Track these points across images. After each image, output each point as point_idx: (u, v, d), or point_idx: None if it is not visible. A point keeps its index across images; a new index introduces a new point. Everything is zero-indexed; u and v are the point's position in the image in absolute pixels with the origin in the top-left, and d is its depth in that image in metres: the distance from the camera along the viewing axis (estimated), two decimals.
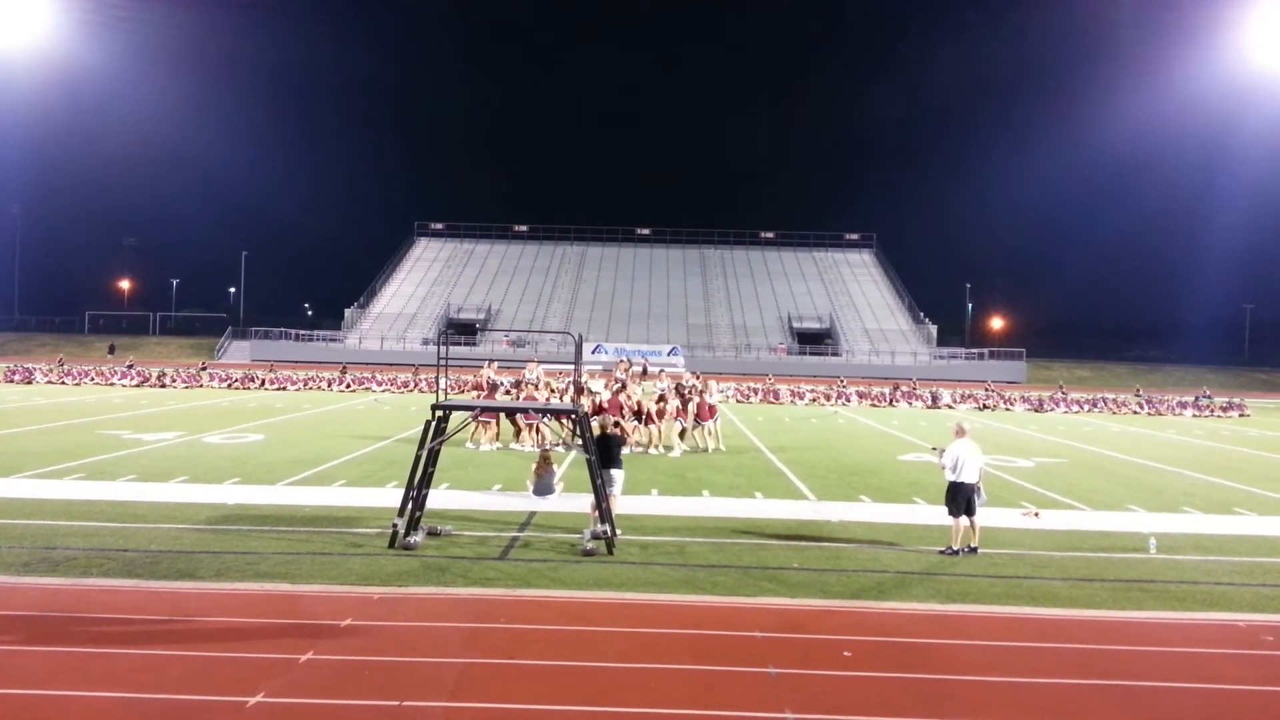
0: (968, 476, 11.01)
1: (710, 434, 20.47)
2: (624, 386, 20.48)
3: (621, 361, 22.77)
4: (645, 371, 24.92)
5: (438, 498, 12.93)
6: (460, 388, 33.79)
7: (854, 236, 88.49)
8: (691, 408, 20.50)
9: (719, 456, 19.55)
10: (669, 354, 62.06)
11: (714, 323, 73.96)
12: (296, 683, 6.68)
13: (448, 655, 7.29)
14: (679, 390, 21.59)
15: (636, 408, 20.13)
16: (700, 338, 70.31)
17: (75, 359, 54.37)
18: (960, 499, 11.02)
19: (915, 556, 11.01)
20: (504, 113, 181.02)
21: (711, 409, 20.65)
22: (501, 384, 21.34)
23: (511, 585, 9.24)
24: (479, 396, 21.10)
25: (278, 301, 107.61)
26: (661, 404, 20.49)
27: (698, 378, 24.04)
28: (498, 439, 20.06)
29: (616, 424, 13.55)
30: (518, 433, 20.11)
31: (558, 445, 19.08)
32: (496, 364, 23.23)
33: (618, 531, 11.04)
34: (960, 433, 11.38)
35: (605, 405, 18.94)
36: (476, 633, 7.85)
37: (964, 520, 11.07)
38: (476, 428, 19.81)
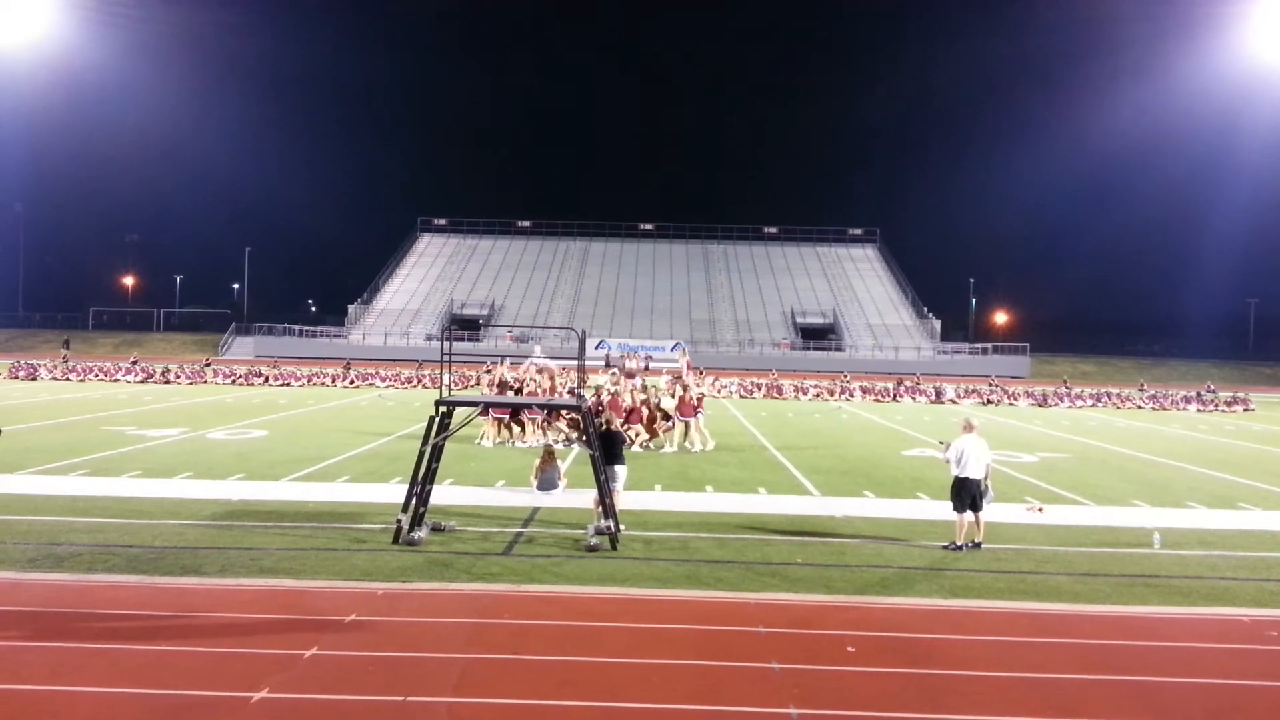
0: (972, 472, 10.99)
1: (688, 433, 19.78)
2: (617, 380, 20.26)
3: (613, 375, 22.45)
4: (648, 367, 24.77)
5: (441, 493, 12.94)
6: (464, 383, 33.81)
7: (857, 231, 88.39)
8: (662, 403, 20.23)
9: (720, 453, 19.52)
10: (672, 349, 62.06)
11: (717, 318, 73.91)
12: (301, 678, 6.69)
13: (452, 651, 7.30)
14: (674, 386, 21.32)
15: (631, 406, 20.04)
16: (704, 333, 70.28)
17: (79, 355, 54.48)
18: (964, 494, 11.00)
19: (919, 552, 11.00)
20: (507, 108, 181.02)
21: (697, 404, 20.13)
22: (511, 381, 21.33)
23: (515, 581, 9.24)
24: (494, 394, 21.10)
25: (281, 298, 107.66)
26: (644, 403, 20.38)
27: (700, 373, 23.86)
28: (498, 436, 20.02)
29: (608, 421, 13.56)
30: (523, 430, 20.12)
31: (559, 442, 19.08)
32: (509, 360, 23.24)
33: (621, 527, 11.04)
34: (968, 428, 11.36)
35: (605, 405, 18.87)
36: (480, 628, 7.86)
37: (968, 515, 11.05)
38: (498, 427, 19.85)
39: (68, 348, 59.40)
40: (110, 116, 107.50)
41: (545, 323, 68.83)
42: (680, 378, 21.88)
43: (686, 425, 19.85)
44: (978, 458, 11.05)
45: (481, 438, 19.85)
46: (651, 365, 25.51)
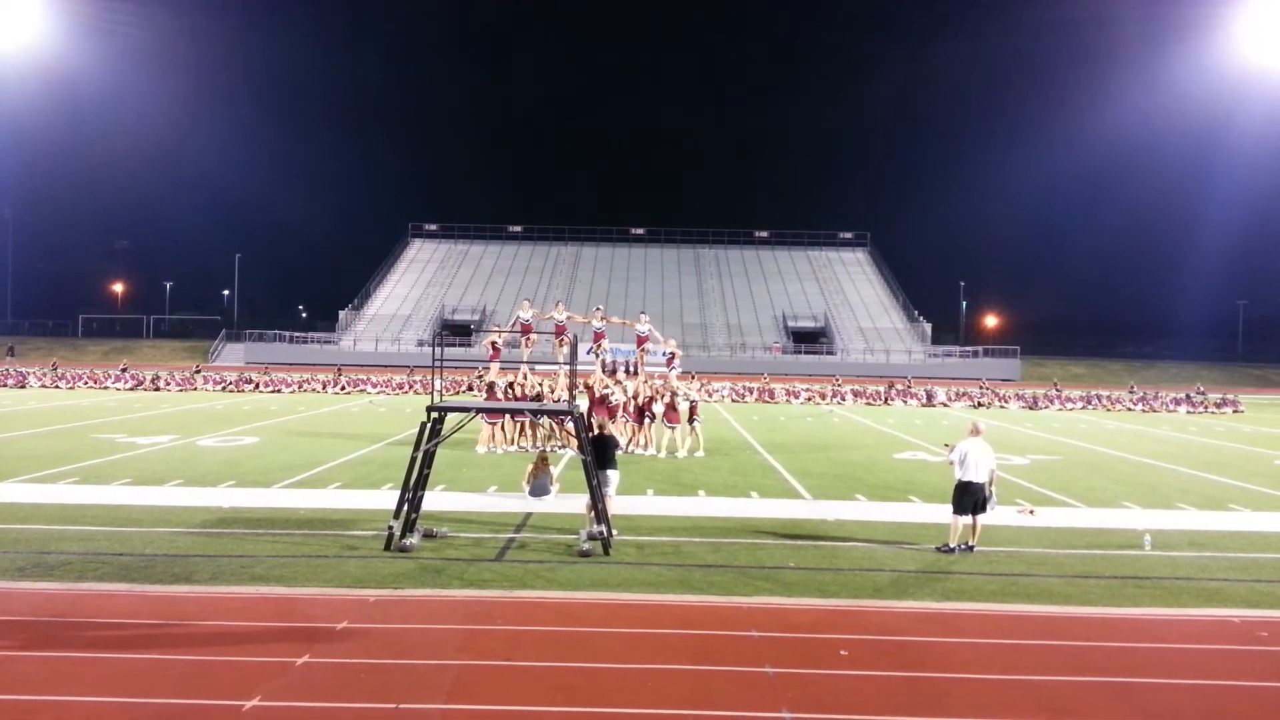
0: (975, 475, 10.99)
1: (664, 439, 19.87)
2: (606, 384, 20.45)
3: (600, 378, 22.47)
4: (637, 371, 24.79)
5: (434, 499, 12.92)
6: (455, 389, 33.74)
7: (848, 235, 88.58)
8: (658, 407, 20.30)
9: (712, 457, 19.54)
10: (663, 354, 62.02)
11: (709, 322, 73.96)
12: (293, 686, 6.67)
13: (444, 657, 7.29)
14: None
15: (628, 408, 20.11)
16: (695, 337, 70.26)
17: (69, 363, 54.20)
18: (967, 498, 10.99)
19: (912, 554, 11.03)
20: (497, 113, 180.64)
21: (691, 411, 20.23)
22: (498, 385, 21.32)
23: (508, 586, 9.23)
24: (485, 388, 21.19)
25: (272, 304, 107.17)
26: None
27: (692, 377, 23.86)
28: (492, 440, 20.03)
29: (601, 426, 13.59)
30: (522, 431, 20.26)
31: (551, 446, 19.07)
32: (497, 366, 23.26)
33: (614, 532, 11.03)
34: (974, 431, 11.40)
35: (591, 406, 18.93)
36: (473, 634, 7.84)
37: (965, 519, 11.06)
38: (493, 432, 19.95)
39: (12, 354, 58.84)
40: (100, 123, 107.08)
41: (536, 328, 68.66)
42: (667, 381, 21.84)
43: (672, 430, 19.85)
44: (981, 461, 11.07)
45: (513, 442, 20.08)
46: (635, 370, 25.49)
